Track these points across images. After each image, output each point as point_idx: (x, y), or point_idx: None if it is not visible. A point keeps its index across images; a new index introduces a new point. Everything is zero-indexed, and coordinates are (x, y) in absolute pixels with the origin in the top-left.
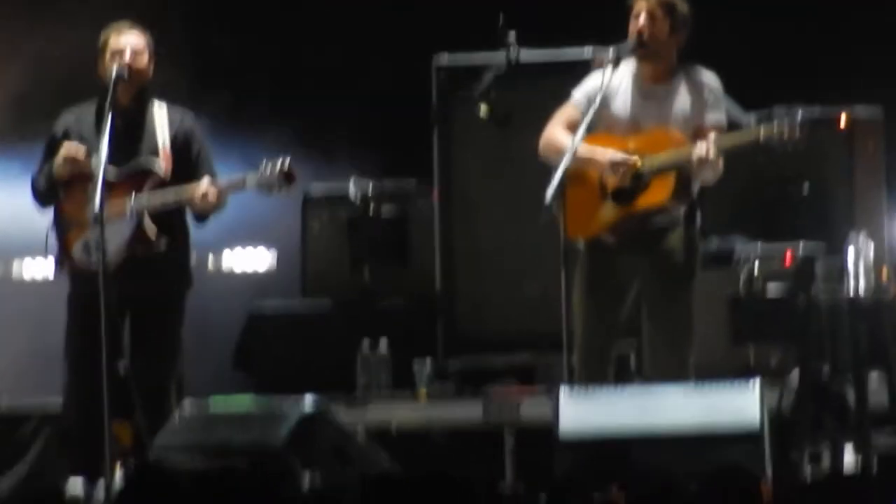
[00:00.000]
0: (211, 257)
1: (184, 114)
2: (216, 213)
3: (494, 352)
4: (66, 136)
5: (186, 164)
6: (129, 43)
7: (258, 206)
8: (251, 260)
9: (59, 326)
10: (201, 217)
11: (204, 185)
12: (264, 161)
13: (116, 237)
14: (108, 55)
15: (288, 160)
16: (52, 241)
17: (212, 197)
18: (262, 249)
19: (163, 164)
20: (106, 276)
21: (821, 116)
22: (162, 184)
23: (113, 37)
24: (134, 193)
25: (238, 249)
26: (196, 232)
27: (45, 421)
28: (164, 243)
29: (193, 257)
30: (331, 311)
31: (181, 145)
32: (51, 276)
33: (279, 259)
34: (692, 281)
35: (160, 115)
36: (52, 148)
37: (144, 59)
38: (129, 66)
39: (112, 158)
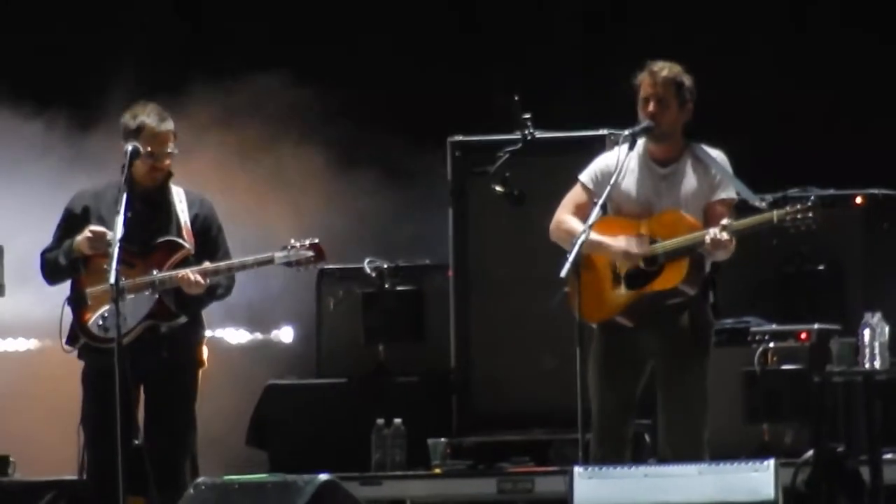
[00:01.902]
0: (225, 333)
1: (202, 197)
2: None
3: (509, 429)
4: (86, 214)
5: (206, 243)
6: (170, 129)
7: (275, 283)
8: (267, 336)
9: (72, 397)
10: (192, 299)
11: (194, 266)
12: (291, 240)
13: (135, 312)
14: (143, 139)
15: (317, 239)
16: (67, 315)
17: (199, 281)
18: (278, 325)
19: (187, 241)
20: (122, 351)
21: (835, 196)
22: (187, 258)
23: (153, 123)
24: (156, 269)
25: (254, 326)
26: (211, 307)
27: (63, 491)
28: (182, 319)
29: (207, 333)
30: (346, 388)
31: (200, 226)
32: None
33: (295, 335)
34: (706, 359)
35: (178, 198)
36: (69, 225)
37: (173, 147)
38: (161, 153)
39: (133, 237)
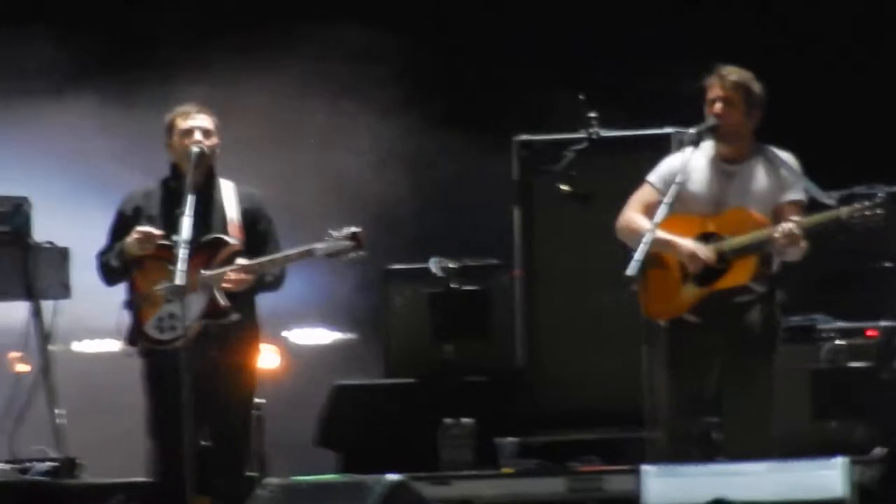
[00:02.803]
0: (292, 333)
1: (252, 192)
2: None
3: (577, 427)
4: (137, 214)
5: (255, 238)
6: (198, 124)
7: (342, 282)
8: (333, 336)
9: (140, 399)
10: (243, 293)
11: (239, 262)
12: (330, 231)
13: (191, 310)
14: (175, 136)
15: (357, 228)
16: (125, 318)
17: (243, 279)
18: (346, 325)
19: (234, 236)
20: (185, 351)
21: None
22: (237, 253)
23: (180, 118)
24: (203, 267)
25: (321, 326)
26: (275, 306)
27: (132, 492)
28: (235, 316)
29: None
30: (414, 388)
31: (250, 221)
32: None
33: (362, 335)
34: (772, 356)
35: (228, 193)
36: (121, 227)
37: (214, 140)
38: (198, 128)
39: (179, 231)
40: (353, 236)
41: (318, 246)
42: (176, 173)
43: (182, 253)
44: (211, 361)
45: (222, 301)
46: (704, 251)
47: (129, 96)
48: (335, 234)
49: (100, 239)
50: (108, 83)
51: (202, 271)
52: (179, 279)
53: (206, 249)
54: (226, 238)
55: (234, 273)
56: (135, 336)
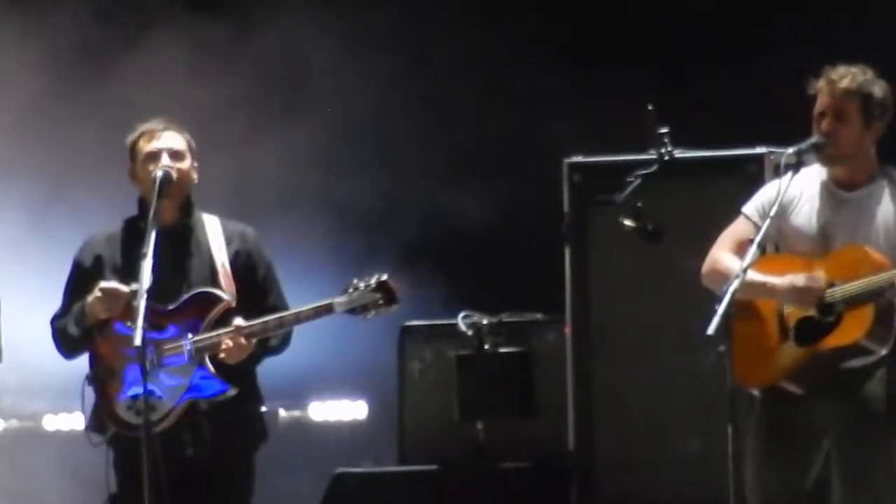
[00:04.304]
0: (286, 410)
1: (244, 228)
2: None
3: None
4: (99, 265)
5: (252, 289)
6: (166, 145)
7: (346, 343)
8: (338, 412)
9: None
10: (233, 365)
11: (236, 324)
12: (353, 280)
13: (171, 388)
14: (139, 162)
15: (386, 275)
16: (89, 396)
17: (241, 345)
18: (350, 400)
19: (225, 288)
20: (158, 438)
21: None
22: (229, 312)
23: (144, 140)
24: (190, 330)
25: (322, 400)
26: (269, 378)
27: None
28: (231, 392)
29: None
30: (436, 477)
31: (243, 266)
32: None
33: (371, 409)
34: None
35: (213, 231)
36: (79, 282)
37: (186, 164)
38: (164, 149)
39: (158, 290)
40: (382, 286)
41: (340, 300)
42: (143, 210)
43: (143, 304)
44: (206, 450)
45: (214, 373)
46: (809, 281)
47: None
48: (360, 283)
49: (38, 287)
50: None
51: (189, 336)
52: (138, 338)
53: (193, 307)
54: (216, 292)
55: (231, 338)
56: (101, 419)
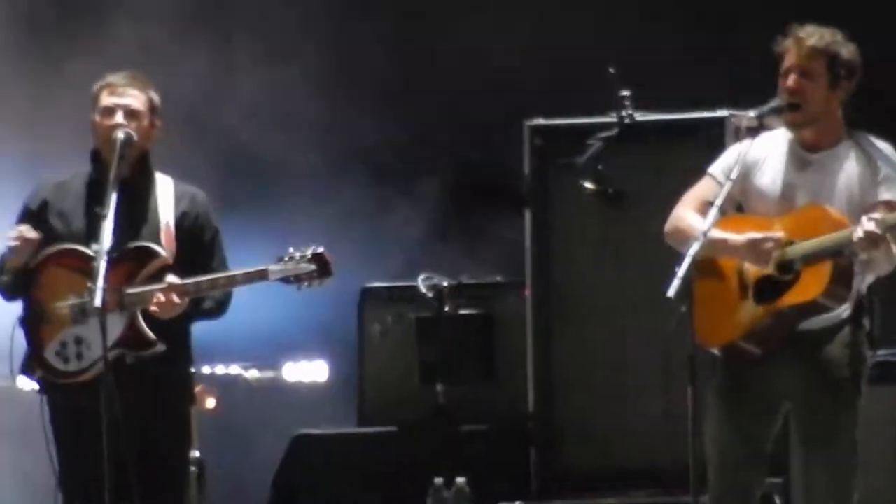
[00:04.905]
0: (241, 370)
1: (196, 191)
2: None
3: (603, 490)
4: (44, 209)
5: (197, 250)
6: (124, 102)
7: (308, 306)
8: (295, 374)
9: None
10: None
11: (170, 279)
12: (290, 249)
13: (100, 339)
14: (97, 113)
15: (321, 248)
16: (21, 338)
17: (174, 302)
18: (309, 360)
19: (165, 246)
20: (111, 388)
21: None
22: (166, 268)
23: (105, 92)
24: (125, 283)
25: (278, 361)
26: (214, 335)
27: None
28: (160, 347)
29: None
30: (395, 439)
31: (190, 228)
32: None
33: (331, 372)
34: (857, 400)
35: (164, 191)
36: (26, 224)
37: (144, 122)
38: (121, 106)
39: (99, 238)
40: (317, 258)
41: (274, 268)
42: (97, 161)
43: (103, 265)
44: (129, 405)
45: (144, 330)
46: (767, 233)
47: None
48: (295, 253)
49: None
50: None
51: (124, 289)
52: (98, 299)
53: (129, 261)
54: (153, 247)
55: (163, 294)
56: (31, 363)
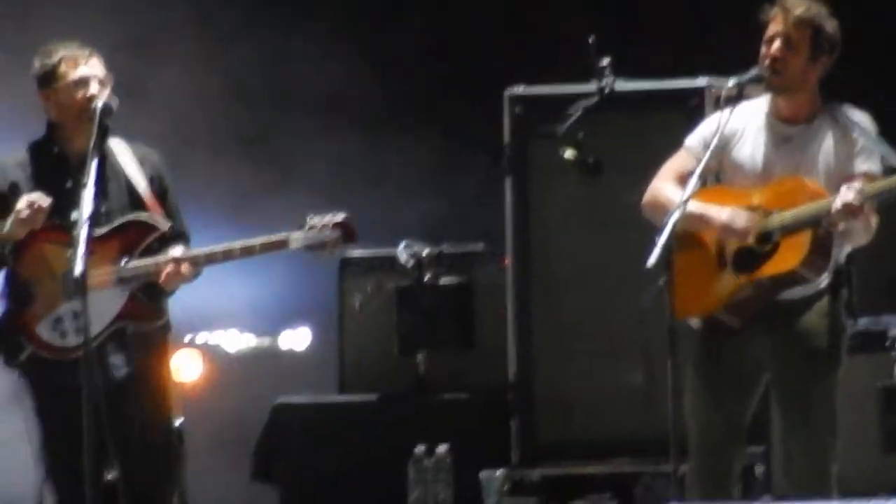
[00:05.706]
0: (222, 338)
1: (151, 151)
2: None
3: (583, 459)
4: (15, 191)
5: (166, 213)
6: (94, 72)
7: (285, 273)
8: (278, 342)
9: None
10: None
11: (178, 252)
12: (309, 216)
13: (101, 312)
14: (62, 88)
15: (341, 214)
16: (4, 317)
17: (185, 270)
18: (290, 328)
19: (152, 212)
20: (88, 361)
21: None
22: (163, 239)
23: (69, 65)
24: (125, 256)
25: (258, 329)
26: (195, 302)
27: None
28: (163, 319)
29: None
30: (376, 407)
31: (158, 192)
32: None
33: (312, 340)
34: (836, 370)
35: (124, 155)
36: None
37: (108, 89)
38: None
39: (71, 212)
40: (340, 225)
41: (296, 235)
42: (55, 136)
43: (84, 234)
44: (117, 376)
45: (144, 303)
46: (744, 220)
47: None
48: (317, 221)
49: None
50: None
51: (124, 261)
52: (78, 268)
53: (126, 233)
54: (151, 221)
55: (172, 265)
56: (19, 341)
